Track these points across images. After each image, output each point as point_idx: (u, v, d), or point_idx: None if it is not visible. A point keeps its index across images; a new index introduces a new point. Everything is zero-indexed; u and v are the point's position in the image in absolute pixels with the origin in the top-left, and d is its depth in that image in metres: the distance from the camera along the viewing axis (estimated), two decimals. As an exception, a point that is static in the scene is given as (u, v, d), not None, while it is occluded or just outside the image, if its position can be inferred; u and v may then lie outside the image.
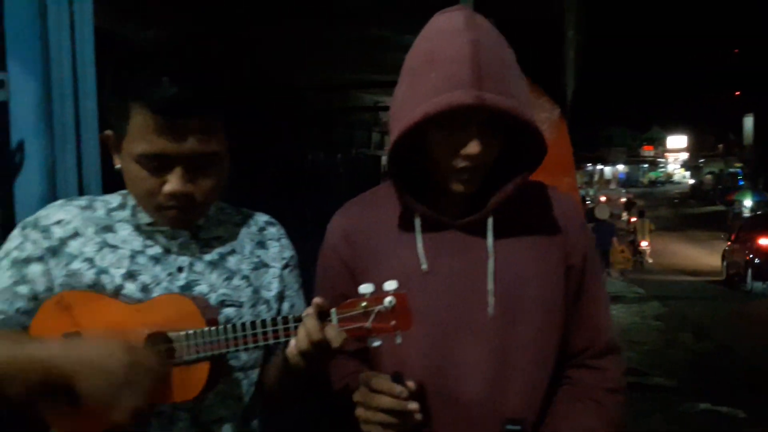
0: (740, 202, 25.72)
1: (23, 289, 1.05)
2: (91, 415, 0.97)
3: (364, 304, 0.99)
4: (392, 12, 3.25)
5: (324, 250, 1.26)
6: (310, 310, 0.99)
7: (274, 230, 1.24)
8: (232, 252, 1.16)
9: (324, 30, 3.75)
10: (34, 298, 1.05)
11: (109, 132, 1.07)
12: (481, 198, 1.16)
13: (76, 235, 1.09)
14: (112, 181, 1.19)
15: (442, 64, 1.07)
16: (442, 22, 1.12)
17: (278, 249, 1.21)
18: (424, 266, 1.15)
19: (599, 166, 50.69)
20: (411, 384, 1.05)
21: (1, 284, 1.05)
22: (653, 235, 16.73)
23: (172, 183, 1.01)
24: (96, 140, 1.56)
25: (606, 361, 1.21)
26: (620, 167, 55.01)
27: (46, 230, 1.08)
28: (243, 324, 1.01)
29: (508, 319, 1.13)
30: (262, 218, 1.24)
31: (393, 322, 0.98)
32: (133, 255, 1.09)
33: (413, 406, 1.03)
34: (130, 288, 1.07)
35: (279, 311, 1.19)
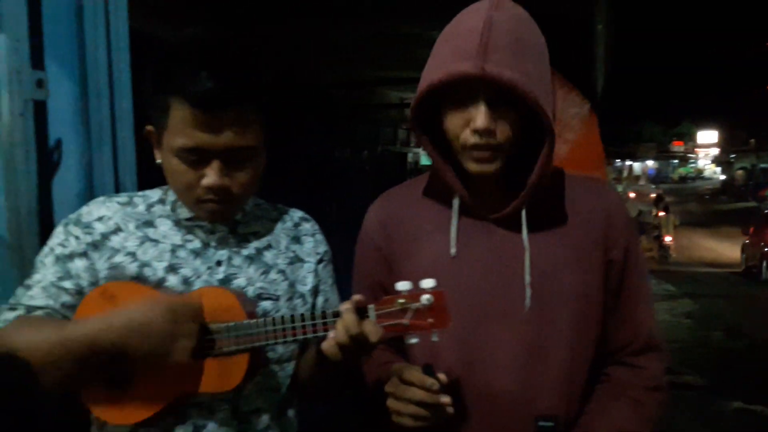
0: (773, 198, 25.25)
1: (68, 284, 1.07)
2: (140, 388, 1.02)
3: (401, 301, 0.99)
4: (420, 8, 3.25)
5: (361, 239, 1.28)
6: (348, 305, 1.00)
7: (308, 226, 1.26)
8: (269, 247, 1.18)
9: (350, 27, 3.76)
10: (79, 292, 1.07)
11: (150, 127, 1.10)
12: (515, 194, 1.15)
13: (117, 230, 1.11)
14: (147, 179, 1.21)
15: (455, 37, 1.07)
16: (472, 4, 1.12)
17: (313, 244, 1.23)
18: (453, 250, 1.15)
19: (628, 162, 50.00)
20: (442, 376, 1.05)
21: (46, 280, 1.07)
22: (679, 230, 16.47)
23: (210, 176, 1.04)
24: (131, 138, 1.59)
25: (645, 359, 1.19)
26: (650, 163, 54.15)
27: (88, 226, 1.10)
28: (282, 317, 1.03)
29: (543, 313, 1.12)
30: (297, 214, 1.26)
31: (430, 320, 0.99)
32: (174, 249, 1.12)
33: (445, 399, 1.03)
34: (172, 281, 1.09)
35: (314, 305, 1.21)
